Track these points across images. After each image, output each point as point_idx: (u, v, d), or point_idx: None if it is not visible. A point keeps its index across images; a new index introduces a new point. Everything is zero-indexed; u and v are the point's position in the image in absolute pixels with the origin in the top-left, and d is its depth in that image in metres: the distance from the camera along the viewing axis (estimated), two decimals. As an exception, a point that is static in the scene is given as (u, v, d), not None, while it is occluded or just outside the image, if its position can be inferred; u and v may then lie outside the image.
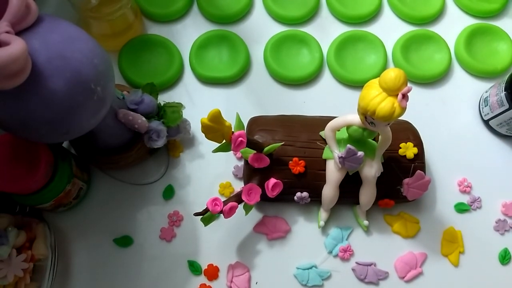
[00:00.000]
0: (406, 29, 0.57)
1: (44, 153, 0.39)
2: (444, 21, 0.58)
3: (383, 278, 0.47)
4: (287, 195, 0.45)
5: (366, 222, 0.47)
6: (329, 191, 0.44)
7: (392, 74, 0.33)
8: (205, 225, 0.42)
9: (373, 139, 0.43)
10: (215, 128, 0.35)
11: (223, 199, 0.41)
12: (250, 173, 0.44)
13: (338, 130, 0.42)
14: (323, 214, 0.47)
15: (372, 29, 0.56)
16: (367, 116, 0.36)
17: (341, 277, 0.46)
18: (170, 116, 0.45)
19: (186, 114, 0.47)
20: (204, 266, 0.46)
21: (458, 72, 0.56)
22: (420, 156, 0.45)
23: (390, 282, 0.47)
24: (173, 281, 0.46)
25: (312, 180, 0.44)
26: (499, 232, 0.49)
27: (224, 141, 0.38)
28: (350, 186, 0.44)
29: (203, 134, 0.36)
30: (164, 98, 0.50)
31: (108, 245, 0.46)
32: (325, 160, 0.44)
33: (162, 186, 0.49)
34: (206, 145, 0.49)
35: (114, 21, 0.49)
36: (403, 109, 0.34)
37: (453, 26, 0.57)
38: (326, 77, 0.55)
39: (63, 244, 0.46)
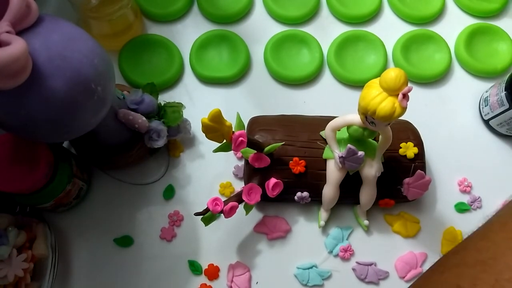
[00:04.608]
0: (406, 29, 0.57)
1: (44, 153, 0.39)
2: (444, 21, 0.58)
3: (384, 278, 0.47)
4: (287, 195, 0.45)
5: (366, 222, 0.47)
6: (330, 191, 0.44)
7: (393, 74, 0.33)
8: (206, 225, 0.42)
9: (374, 139, 0.43)
10: (216, 128, 0.35)
11: (223, 199, 0.41)
12: (251, 173, 0.44)
13: (339, 130, 0.42)
14: (323, 214, 0.47)
15: (372, 29, 0.56)
16: (368, 116, 0.36)
17: (342, 277, 0.46)
18: (170, 116, 0.45)
19: (186, 114, 0.47)
20: (204, 266, 0.46)
21: (458, 72, 0.56)
22: (420, 156, 0.45)
23: (391, 282, 0.47)
24: (174, 281, 0.46)
25: (313, 180, 0.44)
26: (499, 231, 0.49)
27: (224, 141, 0.38)
28: (351, 186, 0.44)
29: (204, 134, 0.36)
30: (164, 98, 0.50)
31: (108, 245, 0.46)
32: (325, 160, 0.44)
33: (162, 186, 0.49)
34: (207, 145, 0.49)
35: (114, 21, 0.49)
36: (404, 109, 0.34)
37: (453, 26, 0.57)
38: (326, 77, 0.55)
39: (63, 244, 0.46)
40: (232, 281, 0.45)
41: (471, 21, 0.57)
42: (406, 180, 0.43)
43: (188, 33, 0.55)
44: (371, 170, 0.42)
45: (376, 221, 0.48)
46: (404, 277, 0.47)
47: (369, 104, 0.34)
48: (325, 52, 0.55)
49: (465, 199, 0.50)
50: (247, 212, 0.44)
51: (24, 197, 0.40)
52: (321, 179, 0.44)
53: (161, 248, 0.47)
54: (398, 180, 0.44)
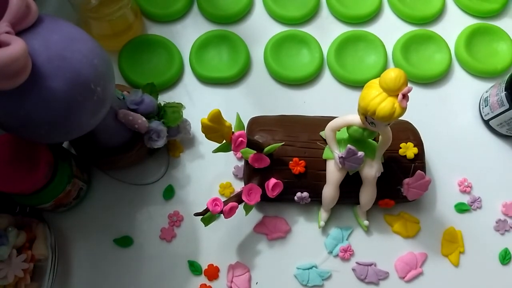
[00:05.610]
0: (406, 29, 0.57)
1: (44, 153, 0.39)
2: (444, 21, 0.58)
3: (383, 278, 0.47)
4: (287, 195, 0.45)
5: (366, 222, 0.47)
6: (329, 191, 0.44)
7: (392, 74, 0.33)
8: (206, 225, 0.42)
9: (373, 139, 0.43)
10: (215, 128, 0.35)
11: (223, 199, 0.41)
12: (250, 173, 0.44)
13: (338, 130, 0.42)
14: (323, 214, 0.47)
15: (372, 29, 0.56)
16: (367, 116, 0.36)
17: (342, 277, 0.46)
18: (170, 116, 0.45)
19: (186, 114, 0.47)
20: (204, 266, 0.46)
21: (458, 72, 0.56)
22: (420, 156, 0.45)
23: (390, 282, 0.47)
24: (173, 281, 0.46)
25: (312, 180, 0.44)
26: (499, 232, 0.49)
27: (224, 141, 0.38)
28: (350, 186, 0.44)
29: (203, 134, 0.36)
30: (164, 98, 0.50)
31: (108, 245, 0.46)
32: (325, 160, 0.44)
33: (162, 186, 0.49)
34: (206, 145, 0.49)
35: (114, 21, 0.49)
36: (403, 109, 0.34)
37: (453, 26, 0.57)
38: (326, 77, 0.55)
39: (63, 244, 0.46)
40: (232, 281, 0.45)
41: (471, 21, 0.57)
42: (406, 180, 0.43)
43: (188, 33, 0.55)
44: (371, 170, 0.42)
45: (376, 222, 0.48)
46: (404, 278, 0.47)
47: (369, 104, 0.34)
48: (325, 52, 0.55)
49: (465, 199, 0.50)
50: (247, 213, 0.44)
51: (24, 198, 0.40)
52: (321, 180, 0.44)
53: (161, 248, 0.47)
54: (398, 181, 0.44)
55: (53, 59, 0.29)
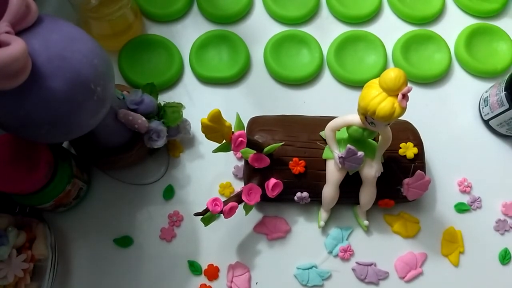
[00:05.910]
0: (406, 29, 0.57)
1: (44, 153, 0.39)
2: (444, 21, 0.58)
3: (383, 278, 0.47)
4: (287, 195, 0.45)
5: (366, 222, 0.47)
6: (329, 191, 0.44)
7: (392, 74, 0.33)
8: (205, 225, 0.42)
9: (373, 139, 0.43)
10: (215, 128, 0.35)
11: (223, 199, 0.41)
12: (250, 173, 0.44)
13: (338, 130, 0.42)
14: (323, 214, 0.47)
15: (372, 29, 0.56)
16: (367, 116, 0.36)
17: (341, 277, 0.46)
18: (170, 116, 0.45)
19: (186, 114, 0.47)
20: (204, 266, 0.46)
21: (458, 72, 0.56)
22: (420, 156, 0.45)
23: (390, 282, 0.47)
24: (173, 281, 0.46)
25: (312, 180, 0.44)
26: (499, 232, 0.49)
27: (224, 141, 0.38)
28: (350, 186, 0.44)
29: (203, 134, 0.36)
30: (164, 98, 0.50)
31: (108, 245, 0.46)
32: (325, 160, 0.44)
33: (162, 186, 0.49)
34: (206, 145, 0.49)
35: (114, 21, 0.49)
36: (403, 109, 0.34)
37: (453, 26, 0.57)
38: (326, 77, 0.55)
39: (63, 244, 0.46)
40: (231, 281, 0.45)
41: (471, 21, 0.57)
42: (406, 180, 0.43)
43: (188, 33, 0.55)
44: (371, 170, 0.42)
45: (376, 221, 0.48)
46: (404, 277, 0.47)
47: (368, 104, 0.34)
48: (325, 52, 0.55)
49: (465, 199, 0.50)
50: (246, 212, 0.44)
51: (24, 197, 0.40)
52: (321, 179, 0.44)
53: (161, 248, 0.47)
54: (398, 181, 0.44)
55: (53, 59, 0.29)
